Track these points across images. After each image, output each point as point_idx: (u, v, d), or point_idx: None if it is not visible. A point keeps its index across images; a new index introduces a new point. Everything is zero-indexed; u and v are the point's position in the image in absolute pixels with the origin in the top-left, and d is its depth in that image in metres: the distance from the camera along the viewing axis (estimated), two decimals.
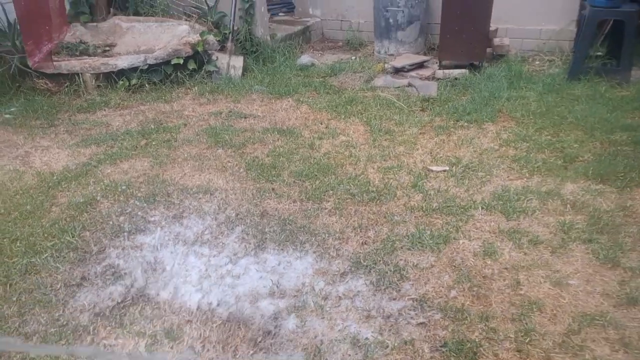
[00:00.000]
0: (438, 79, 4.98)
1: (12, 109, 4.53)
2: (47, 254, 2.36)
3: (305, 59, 5.91)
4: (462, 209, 2.67)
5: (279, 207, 2.78)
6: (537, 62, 5.31)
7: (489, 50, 5.25)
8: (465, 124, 3.82)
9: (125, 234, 2.55)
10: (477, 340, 1.86)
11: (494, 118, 3.88)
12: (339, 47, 6.70)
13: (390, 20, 5.66)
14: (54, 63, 4.84)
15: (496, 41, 5.35)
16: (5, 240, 2.47)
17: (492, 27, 5.10)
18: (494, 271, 2.21)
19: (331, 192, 2.90)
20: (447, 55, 5.13)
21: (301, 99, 4.57)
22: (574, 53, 4.60)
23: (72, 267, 2.29)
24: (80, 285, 2.19)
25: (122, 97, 4.80)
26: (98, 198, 2.87)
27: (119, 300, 2.10)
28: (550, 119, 3.75)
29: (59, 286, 2.17)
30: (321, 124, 3.97)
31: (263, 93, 4.81)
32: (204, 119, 4.18)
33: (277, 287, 2.17)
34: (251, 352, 1.85)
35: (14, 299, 2.10)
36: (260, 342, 1.89)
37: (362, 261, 2.30)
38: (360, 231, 2.53)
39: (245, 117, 4.18)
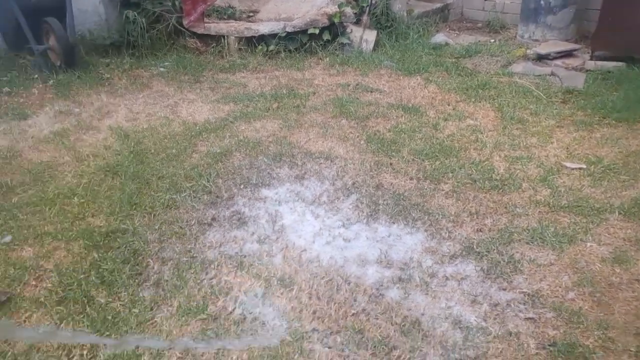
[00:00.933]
0: (587, 70, 4.52)
1: (165, 64, 5.07)
2: (185, 194, 2.67)
3: (439, 37, 5.74)
4: (595, 211, 2.46)
5: (394, 182, 2.80)
6: None
7: None
8: (613, 122, 3.46)
9: (252, 185, 2.77)
10: (590, 346, 1.74)
11: None
12: (477, 29, 6.37)
13: (542, 2, 5.23)
14: (205, 24, 5.28)
15: None
16: (153, 177, 2.83)
17: None
18: (622, 280, 2.03)
19: (450, 174, 2.84)
20: (602, 45, 4.62)
21: (430, 78, 4.48)
22: None
23: (205, 208, 2.56)
24: (210, 225, 2.44)
25: (260, 61, 5.10)
26: (232, 150, 3.14)
27: (241, 243, 2.31)
28: None
29: (193, 222, 2.45)
30: (448, 105, 3.87)
31: (392, 69, 4.79)
32: (332, 89, 4.29)
33: (384, 256, 2.22)
34: (353, 312, 1.93)
35: (156, 227, 2.41)
36: (363, 304, 1.96)
37: (474, 247, 2.25)
38: (477, 217, 2.46)
39: (371, 91, 4.22)
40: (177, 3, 5.59)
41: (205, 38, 5.57)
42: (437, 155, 3.04)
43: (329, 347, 1.79)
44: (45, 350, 1.76)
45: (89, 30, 5.36)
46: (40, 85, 4.42)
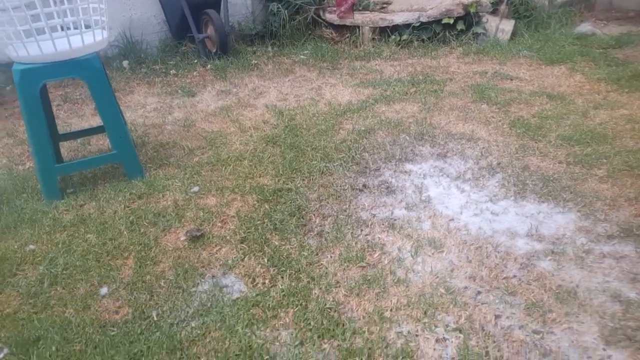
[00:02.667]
0: None
1: (305, 52, 5.45)
2: (337, 163, 2.93)
3: (584, 27, 5.44)
4: None
5: (542, 165, 2.80)
6: None
7: None
8: None
9: (396, 160, 2.95)
10: None
11: None
12: (629, 18, 5.91)
13: None
14: (354, 15, 5.54)
15: None
16: (307, 147, 3.13)
17: None
18: None
19: (604, 160, 2.76)
20: None
21: (575, 68, 4.30)
22: None
23: (356, 176, 2.80)
24: (361, 191, 2.67)
25: (393, 50, 5.27)
26: (375, 129, 3.35)
27: (391, 208, 2.50)
28: None
29: (346, 187, 2.69)
30: (598, 94, 3.71)
31: (531, 58, 4.68)
32: (469, 76, 4.32)
33: (535, 231, 2.26)
34: (504, 276, 2.02)
35: (315, 189, 2.70)
36: (514, 270, 2.05)
37: (634, 230, 2.20)
38: (636, 203, 2.39)
39: (510, 79, 4.17)
40: None
41: (340, 29, 5.87)
42: (588, 142, 2.97)
43: (483, 303, 1.90)
44: (237, 273, 2.11)
45: (238, 21, 5.94)
46: (200, 69, 5.03)
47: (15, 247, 2.37)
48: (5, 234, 2.47)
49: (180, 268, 2.17)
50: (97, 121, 3.75)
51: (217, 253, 2.26)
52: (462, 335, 1.78)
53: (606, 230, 2.23)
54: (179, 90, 4.42)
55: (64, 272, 2.19)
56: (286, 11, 5.78)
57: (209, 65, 5.09)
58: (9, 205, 2.71)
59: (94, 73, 2.61)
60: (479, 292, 1.96)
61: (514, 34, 5.37)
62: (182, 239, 2.36)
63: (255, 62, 5.14)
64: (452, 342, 1.76)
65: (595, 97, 3.66)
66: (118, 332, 1.86)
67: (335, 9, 5.73)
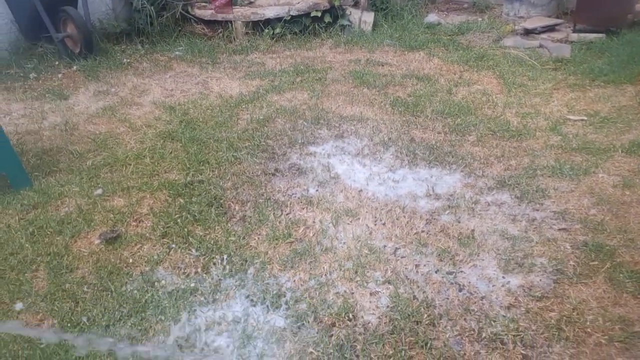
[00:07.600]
0: (571, 42, 4.98)
1: (180, 48, 5.32)
2: (244, 152, 2.98)
3: (432, 17, 6.14)
4: (601, 151, 2.89)
5: (424, 136, 3.18)
6: None
7: (629, 16, 5.10)
8: (602, 83, 3.91)
9: (300, 144, 3.10)
10: (615, 245, 2.15)
11: (632, 80, 3.91)
12: (464, 9, 6.80)
13: None
14: (233, 9, 5.49)
15: (639, 7, 5.19)
16: (210, 139, 3.13)
17: None
18: (632, 199, 2.45)
19: (472, 128, 3.23)
20: (582, 19, 5.09)
21: (432, 53, 4.87)
22: None
23: (266, 162, 2.89)
24: (274, 175, 2.77)
25: (268, 43, 5.40)
26: (273, 117, 3.46)
27: (305, 187, 2.65)
28: None
29: (259, 173, 2.77)
30: (455, 74, 4.26)
31: (394, 46, 5.16)
32: (345, 64, 4.64)
33: (432, 191, 2.59)
34: (415, 231, 2.30)
35: (227, 177, 2.72)
36: (422, 226, 2.33)
37: (506, 181, 2.65)
38: (503, 159, 2.86)
39: (382, 65, 4.58)
40: None
41: (212, 24, 5.81)
42: (457, 114, 3.43)
43: (402, 257, 2.15)
44: (166, 267, 2.07)
45: (99, 19, 5.54)
46: (65, 71, 4.62)
47: None
48: None
49: (103, 270, 2.05)
50: None
51: (139, 251, 2.19)
52: (391, 286, 2.00)
53: (485, 184, 2.65)
54: (47, 94, 4.02)
55: None
56: (152, 8, 5.54)
57: (74, 67, 4.69)
58: None
59: None
60: (397, 248, 2.21)
61: (375, 25, 5.86)
62: (96, 242, 2.23)
63: (128, 60, 4.88)
64: (384, 293, 1.97)
65: (453, 76, 4.21)
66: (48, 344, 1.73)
67: (205, 4, 5.67)
